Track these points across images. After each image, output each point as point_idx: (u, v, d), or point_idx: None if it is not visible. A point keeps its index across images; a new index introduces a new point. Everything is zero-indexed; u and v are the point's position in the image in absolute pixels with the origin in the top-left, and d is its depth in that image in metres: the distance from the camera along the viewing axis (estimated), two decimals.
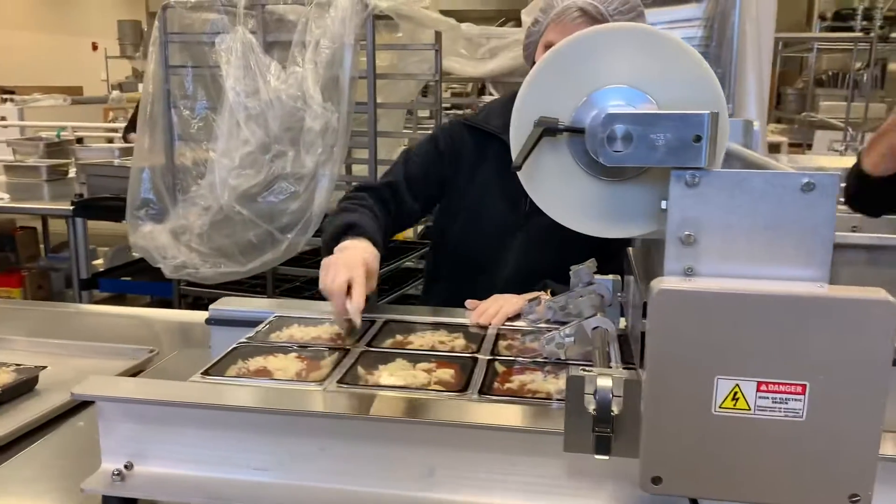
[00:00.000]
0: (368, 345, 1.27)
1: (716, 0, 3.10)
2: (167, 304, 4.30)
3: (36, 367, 1.48)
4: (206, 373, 1.15)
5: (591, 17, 1.47)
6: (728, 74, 3.08)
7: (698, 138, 0.83)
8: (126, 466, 1.13)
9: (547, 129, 0.93)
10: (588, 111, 0.94)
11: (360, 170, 3.49)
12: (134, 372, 1.61)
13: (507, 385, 1.10)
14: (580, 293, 1.23)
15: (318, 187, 3.25)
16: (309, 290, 3.70)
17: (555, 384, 1.09)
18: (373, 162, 3.34)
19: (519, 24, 4.55)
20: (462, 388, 1.08)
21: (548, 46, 1.52)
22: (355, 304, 1.32)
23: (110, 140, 6.15)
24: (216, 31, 3.30)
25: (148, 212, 3.40)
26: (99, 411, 1.12)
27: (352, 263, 1.37)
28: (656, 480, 0.82)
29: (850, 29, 7.15)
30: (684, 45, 0.93)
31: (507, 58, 4.75)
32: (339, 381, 1.11)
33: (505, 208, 1.68)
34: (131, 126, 5.34)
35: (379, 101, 3.39)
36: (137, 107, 5.42)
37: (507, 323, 1.39)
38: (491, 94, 5.01)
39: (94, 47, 11.40)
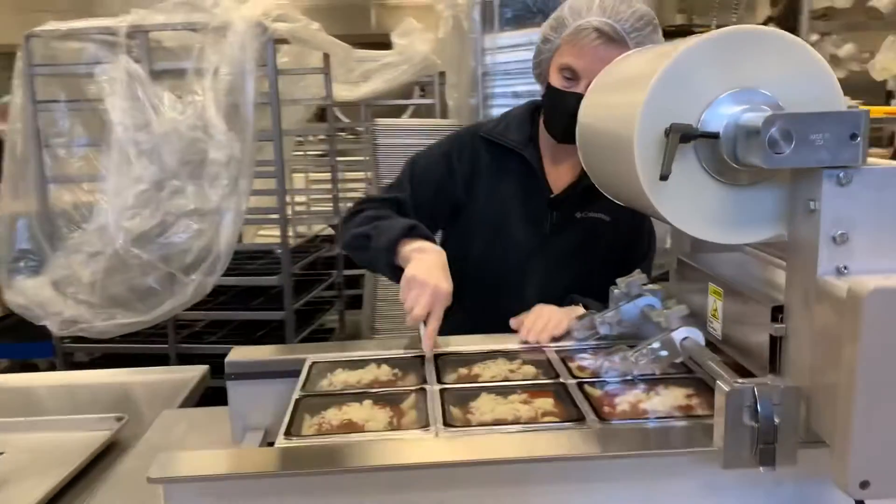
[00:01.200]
0: (440, 381, 1.18)
1: None
2: (32, 368, 3.85)
3: None
4: (288, 434, 1.02)
5: (609, 38, 1.43)
6: None
7: (854, 136, 0.84)
8: None
9: (684, 136, 0.90)
10: (716, 116, 0.93)
11: (269, 201, 3.30)
12: (108, 444, 1.41)
13: (620, 408, 1.06)
14: (654, 308, 1.22)
15: (222, 222, 3.03)
16: (212, 333, 3.44)
17: (663, 401, 1.07)
18: (282, 192, 3.18)
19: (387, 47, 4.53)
20: (577, 417, 1.03)
21: (563, 69, 1.49)
22: (429, 337, 1.31)
23: None
24: (93, 61, 3.01)
25: (26, 264, 3.02)
26: (167, 495, 0.96)
27: (435, 289, 1.33)
28: (864, 485, 0.82)
29: None
30: (799, 41, 0.95)
31: (381, 80, 4.72)
32: (446, 425, 1.02)
33: (528, 229, 1.63)
34: None
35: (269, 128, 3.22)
36: None
37: (554, 342, 1.35)
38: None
39: None
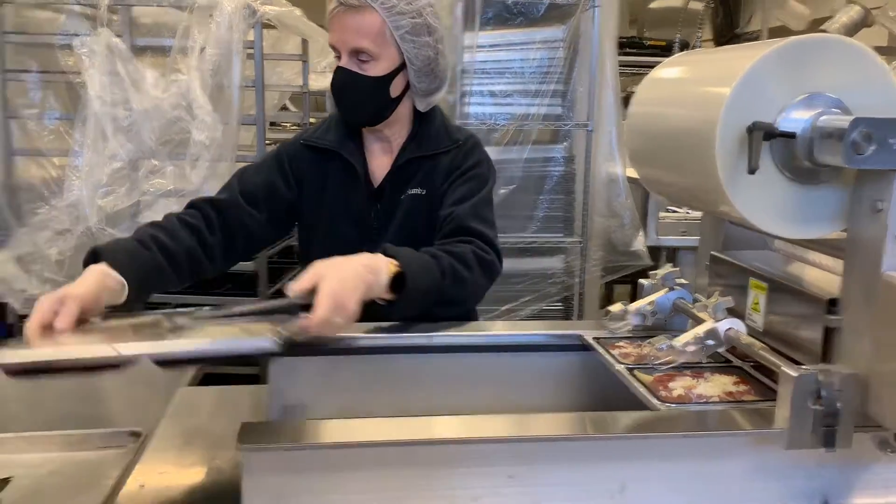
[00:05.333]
0: None
1: (577, 22, 3.32)
2: None
3: None
4: None
5: (350, 5, 1.39)
6: (590, 92, 3.31)
7: None
8: None
9: (766, 134, 0.96)
10: (790, 117, 0.99)
11: None
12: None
13: (675, 392, 1.10)
14: (697, 299, 1.28)
15: None
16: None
17: (713, 387, 1.12)
18: None
19: None
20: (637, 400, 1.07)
21: (332, 49, 1.47)
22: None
23: None
24: (69, 32, 2.91)
25: None
26: (245, 464, 0.96)
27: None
28: None
29: None
30: (864, 48, 1.01)
31: None
32: None
33: (355, 227, 1.59)
34: None
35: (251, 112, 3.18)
36: None
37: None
38: None
39: None
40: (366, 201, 1.60)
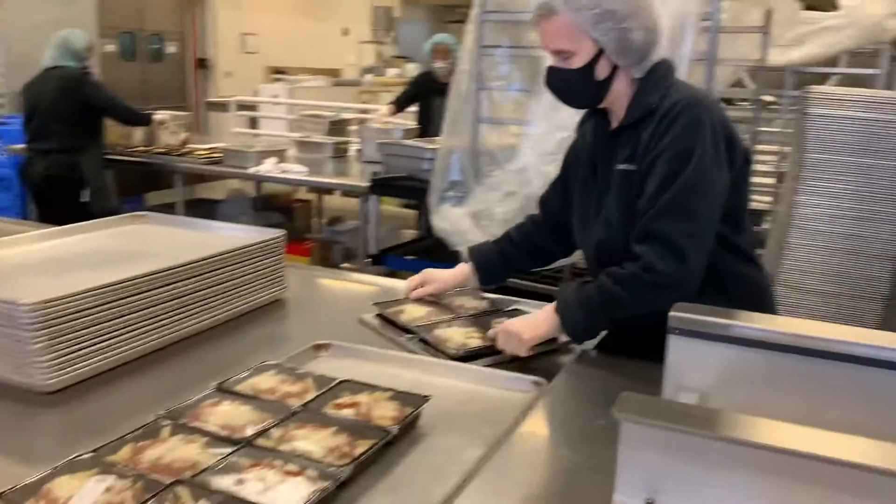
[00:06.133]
0: None
1: None
2: None
3: (418, 395, 1.27)
4: None
5: (539, 16, 1.49)
6: None
7: None
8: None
9: None
10: None
11: None
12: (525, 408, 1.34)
13: None
14: None
15: None
16: None
17: None
18: None
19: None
20: None
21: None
22: None
23: (362, 121, 6.28)
24: None
25: (454, 194, 3.33)
26: (622, 434, 0.94)
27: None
28: None
29: None
30: None
31: (817, 45, 4.24)
32: None
33: (582, 197, 1.69)
34: (399, 106, 5.36)
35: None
36: (408, 85, 5.50)
37: None
38: None
39: (345, 32, 11.98)
40: (589, 175, 1.65)
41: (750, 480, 0.88)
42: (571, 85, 1.55)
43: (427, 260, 4.23)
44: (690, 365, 1.24)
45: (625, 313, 1.51)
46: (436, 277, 1.83)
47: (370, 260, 4.11)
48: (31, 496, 0.96)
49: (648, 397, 0.94)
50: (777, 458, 0.85)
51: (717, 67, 3.48)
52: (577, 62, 1.50)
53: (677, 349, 1.24)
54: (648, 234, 1.46)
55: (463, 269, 1.82)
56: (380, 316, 1.76)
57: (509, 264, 1.83)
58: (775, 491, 0.87)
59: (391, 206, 5.83)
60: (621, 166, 1.54)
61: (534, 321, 1.55)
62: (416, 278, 1.83)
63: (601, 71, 1.51)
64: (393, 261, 4.10)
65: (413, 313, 1.74)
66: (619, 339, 1.63)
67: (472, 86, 3.33)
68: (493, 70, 3.34)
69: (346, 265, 4.80)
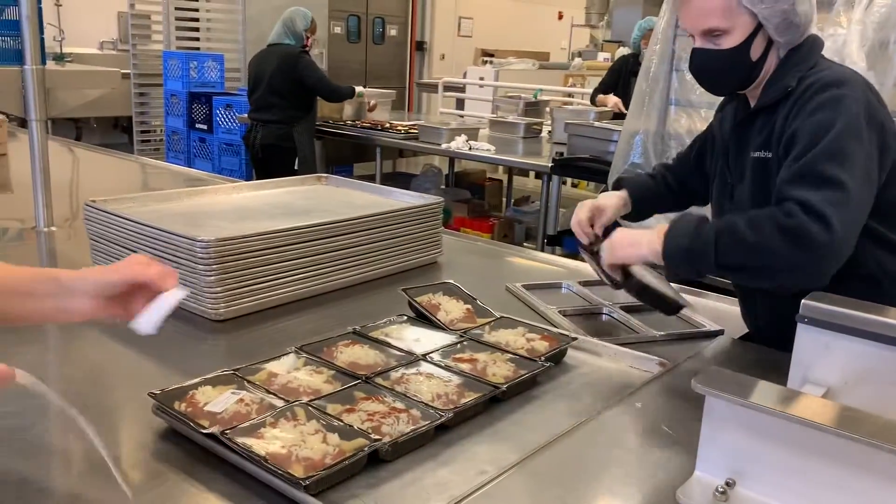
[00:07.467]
0: None
1: None
2: None
3: (565, 335, 1.45)
4: None
5: None
6: None
7: None
8: (728, 484, 0.93)
9: None
10: None
11: None
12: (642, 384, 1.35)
13: None
14: None
15: None
16: None
17: None
18: None
19: None
20: None
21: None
22: None
23: (566, 104, 6.24)
24: None
25: None
26: (706, 407, 0.92)
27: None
28: None
29: None
30: None
31: None
32: None
33: (720, 181, 1.59)
34: (601, 89, 5.33)
35: None
36: (609, 70, 5.43)
37: None
38: None
39: (560, 16, 11.93)
40: (724, 164, 1.56)
41: (836, 474, 0.84)
42: (723, 67, 1.42)
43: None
44: (818, 357, 1.18)
45: (738, 259, 1.28)
46: (604, 205, 1.62)
47: (546, 240, 4.13)
48: (177, 399, 1.12)
49: (734, 373, 0.92)
50: (867, 452, 0.80)
51: None
52: (730, 41, 1.39)
53: (806, 339, 1.19)
54: (784, 198, 1.28)
55: (622, 196, 1.67)
56: (526, 286, 1.80)
57: (657, 200, 1.74)
58: (864, 487, 0.82)
59: (581, 190, 5.80)
60: (756, 154, 1.44)
61: (637, 238, 1.39)
62: (583, 211, 1.59)
63: (756, 49, 1.40)
64: (570, 243, 4.09)
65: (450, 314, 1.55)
66: (765, 333, 1.56)
67: (663, 66, 3.24)
68: (687, 51, 3.21)
69: (525, 244, 4.86)
